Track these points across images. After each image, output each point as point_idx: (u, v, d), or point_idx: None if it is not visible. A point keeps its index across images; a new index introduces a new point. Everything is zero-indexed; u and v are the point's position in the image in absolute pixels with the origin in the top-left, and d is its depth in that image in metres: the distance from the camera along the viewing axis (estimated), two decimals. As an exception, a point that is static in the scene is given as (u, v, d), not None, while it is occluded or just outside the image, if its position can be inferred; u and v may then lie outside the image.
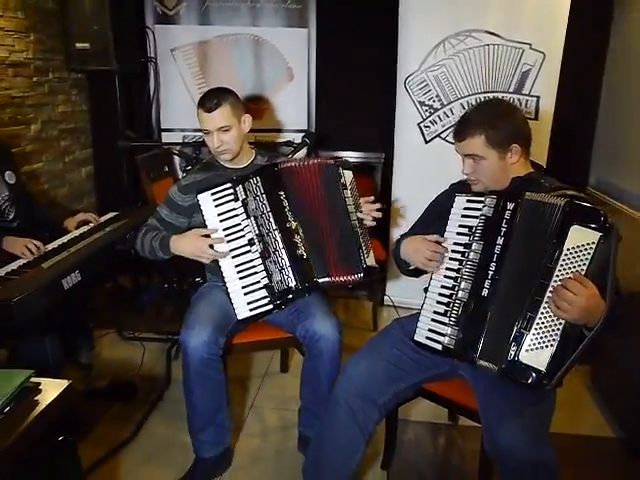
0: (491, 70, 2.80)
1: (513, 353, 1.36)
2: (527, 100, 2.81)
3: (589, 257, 1.29)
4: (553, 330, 1.32)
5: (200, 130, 1.90)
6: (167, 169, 3.15)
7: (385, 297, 3.28)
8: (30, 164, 2.95)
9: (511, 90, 2.81)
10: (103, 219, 2.44)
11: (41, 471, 1.32)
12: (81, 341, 2.28)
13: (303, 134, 2.61)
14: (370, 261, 1.82)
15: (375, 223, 1.85)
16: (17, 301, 1.51)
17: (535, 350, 1.33)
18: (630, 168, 2.76)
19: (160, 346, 2.79)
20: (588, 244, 1.29)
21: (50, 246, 2.04)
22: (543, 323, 1.34)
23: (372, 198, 1.86)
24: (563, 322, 1.31)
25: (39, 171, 3.04)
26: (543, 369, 1.32)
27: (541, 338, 1.33)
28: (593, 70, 3.06)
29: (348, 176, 1.85)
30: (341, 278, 1.80)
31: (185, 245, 1.82)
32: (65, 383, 1.11)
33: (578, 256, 1.30)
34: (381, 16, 3.08)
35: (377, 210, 1.84)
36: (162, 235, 1.87)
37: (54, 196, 3.18)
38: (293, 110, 3.32)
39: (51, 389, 1.08)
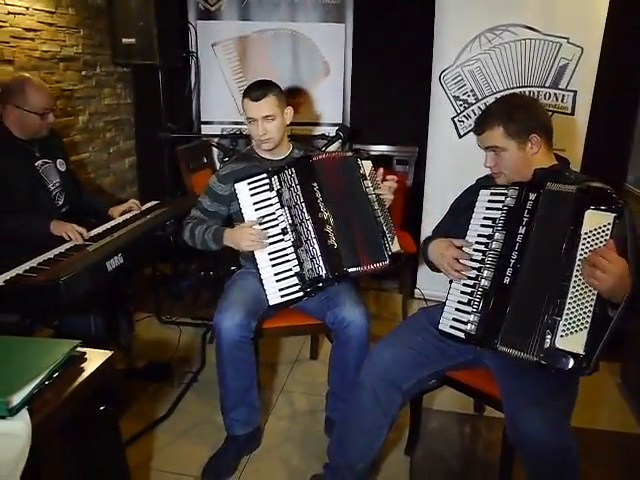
0: (527, 65, 2.78)
1: (549, 341, 1.37)
2: (564, 95, 2.79)
3: (607, 237, 1.32)
4: (585, 312, 1.35)
5: (237, 123, 2.00)
6: (205, 160, 3.27)
7: (415, 290, 3.31)
8: (78, 154, 3.10)
9: (547, 85, 2.79)
10: (145, 207, 2.56)
11: (84, 437, 1.44)
12: (122, 323, 2.40)
13: (337, 127, 2.67)
14: (395, 247, 1.87)
15: (392, 196, 1.90)
16: (65, 280, 1.62)
17: (570, 335, 1.35)
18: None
19: (196, 330, 2.90)
20: (605, 225, 1.34)
21: (94, 231, 2.16)
22: (573, 307, 1.36)
23: (381, 170, 1.92)
24: (592, 305, 1.34)
25: (86, 160, 3.19)
26: (581, 352, 1.34)
27: (574, 322, 1.35)
28: (632, 65, 3.00)
29: (367, 166, 1.91)
30: (369, 266, 1.85)
31: (235, 238, 1.89)
32: (108, 353, 1.20)
33: (597, 238, 1.34)
34: (417, 11, 3.09)
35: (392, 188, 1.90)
36: (214, 228, 1.95)
37: (100, 185, 3.33)
38: (329, 104, 3.38)
39: (95, 358, 1.18)
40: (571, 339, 1.36)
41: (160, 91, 3.12)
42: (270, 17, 3.29)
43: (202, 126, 3.45)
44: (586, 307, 1.35)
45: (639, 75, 3.02)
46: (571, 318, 1.36)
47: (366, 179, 1.89)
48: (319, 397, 2.30)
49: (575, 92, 2.78)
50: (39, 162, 2.26)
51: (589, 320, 1.34)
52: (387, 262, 1.84)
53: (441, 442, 2.16)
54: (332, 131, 2.95)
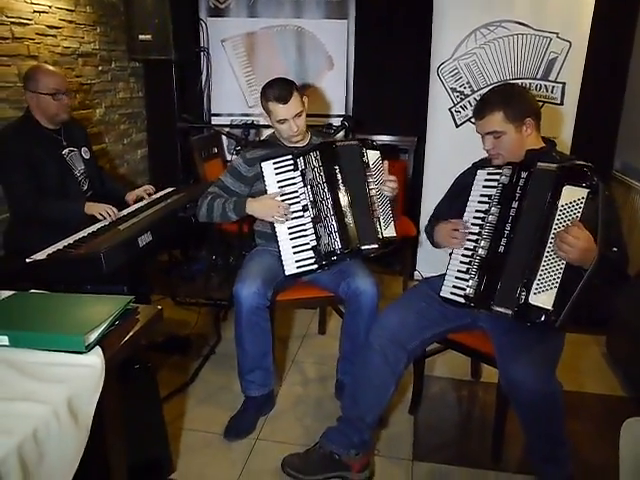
0: (519, 58, 2.97)
1: (523, 297, 1.59)
2: (553, 86, 2.98)
3: (580, 210, 1.53)
4: (555, 275, 1.55)
5: (245, 115, 2.13)
6: (216, 150, 3.45)
7: (415, 272, 3.50)
8: (95, 144, 3.27)
9: (538, 77, 2.99)
10: (161, 194, 2.73)
11: (130, 384, 1.63)
12: (142, 298, 2.58)
13: (342, 118, 2.86)
14: (389, 233, 2.03)
15: (391, 194, 2.06)
16: (105, 252, 1.81)
17: (541, 292, 1.56)
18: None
19: (209, 310, 3.08)
20: (579, 199, 1.54)
21: (121, 213, 2.34)
22: (545, 269, 1.57)
23: (386, 163, 2.08)
24: (563, 267, 1.54)
25: (104, 151, 3.36)
26: (550, 308, 1.54)
27: (545, 282, 1.56)
28: (620, 57, 3.20)
29: (373, 156, 2.06)
30: (366, 247, 1.99)
31: (262, 207, 2.06)
32: (157, 308, 1.39)
33: (571, 210, 1.54)
34: (416, 8, 3.27)
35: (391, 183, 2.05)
36: (234, 200, 2.10)
37: (115, 174, 3.50)
38: (333, 96, 3.58)
39: (146, 311, 1.37)
40: (542, 296, 1.57)
41: (173, 85, 3.30)
42: (276, 14, 3.47)
43: (212, 118, 3.64)
44: (557, 270, 1.55)
45: (625, 67, 3.22)
46: (543, 279, 1.57)
47: (368, 167, 2.04)
48: (328, 367, 2.50)
49: (564, 84, 2.98)
50: (66, 150, 2.43)
51: (558, 281, 1.54)
52: (376, 246, 1.99)
53: (442, 404, 2.36)
54: (337, 122, 3.14)
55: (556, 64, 2.95)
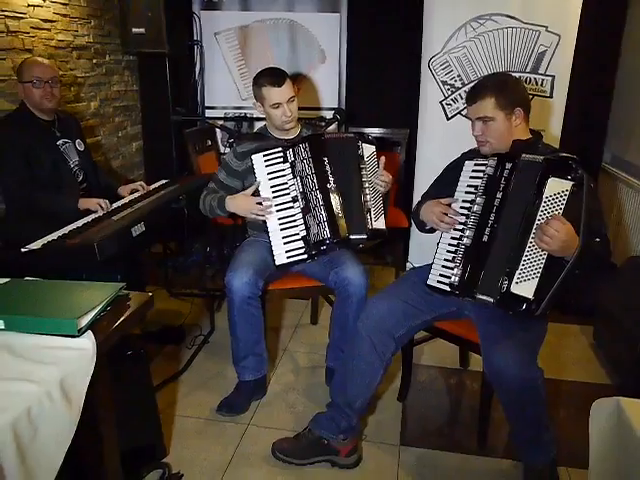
0: (509, 51, 3.00)
1: (505, 286, 1.63)
2: (543, 79, 3.01)
3: (564, 202, 1.56)
4: (537, 264, 1.59)
5: (238, 108, 2.15)
6: (210, 143, 3.48)
7: (407, 264, 3.54)
8: (90, 137, 3.30)
9: (528, 70, 3.02)
10: (155, 185, 2.76)
11: (123, 371, 1.67)
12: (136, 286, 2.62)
13: (334, 111, 2.89)
14: (378, 224, 2.06)
15: (383, 189, 2.10)
16: (98, 243, 1.84)
17: (523, 282, 1.60)
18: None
19: (203, 301, 3.12)
20: (563, 192, 1.56)
21: (115, 204, 2.38)
22: (528, 259, 1.61)
23: (383, 159, 2.12)
24: (545, 258, 1.58)
25: (98, 144, 3.39)
26: (531, 297, 1.59)
27: (527, 272, 1.60)
28: (609, 50, 3.23)
29: (368, 150, 2.11)
30: (355, 237, 2.04)
31: (237, 204, 2.12)
32: (147, 295, 1.43)
33: (555, 202, 1.57)
34: (407, 2, 3.30)
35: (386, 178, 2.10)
36: (219, 196, 2.17)
37: (110, 167, 3.53)
38: (325, 89, 3.60)
39: (137, 298, 1.41)
40: (523, 286, 1.61)
41: (167, 78, 3.31)
42: (269, 7, 3.49)
43: (206, 111, 3.66)
44: (539, 260, 1.59)
45: (614, 59, 3.26)
46: (525, 268, 1.61)
47: (363, 160, 2.08)
48: (319, 355, 2.55)
49: (553, 76, 3.01)
50: (60, 141, 2.46)
51: (540, 271, 1.59)
52: (364, 237, 2.03)
53: (429, 391, 2.42)
54: (329, 114, 3.17)
55: (545, 57, 2.98)
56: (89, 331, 1.20)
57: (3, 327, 1.19)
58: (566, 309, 2.91)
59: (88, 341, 1.17)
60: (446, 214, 1.84)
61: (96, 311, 1.24)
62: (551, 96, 3.04)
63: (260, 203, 2.08)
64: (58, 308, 1.26)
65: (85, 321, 1.20)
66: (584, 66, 3.08)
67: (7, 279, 1.44)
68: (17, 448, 0.96)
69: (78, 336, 1.18)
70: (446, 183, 1.99)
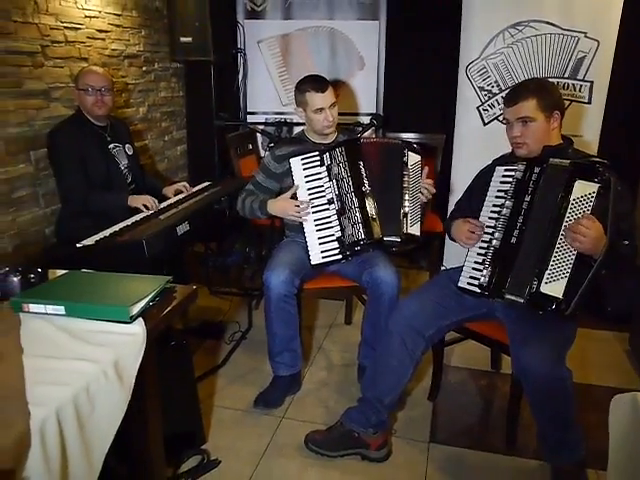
0: (547, 57, 3.01)
1: (535, 286, 1.68)
2: (581, 85, 3.01)
3: (591, 204, 1.61)
4: (566, 264, 1.63)
5: (279, 113, 2.26)
6: (251, 147, 3.61)
7: (442, 267, 3.57)
8: (138, 141, 3.47)
9: (566, 76, 3.02)
10: (197, 188, 2.90)
11: (167, 360, 1.78)
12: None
13: (371, 116, 2.96)
14: (414, 230, 2.10)
15: (424, 198, 2.16)
16: (147, 239, 1.98)
17: (552, 282, 1.65)
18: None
19: (241, 299, 3.24)
20: (590, 194, 1.61)
21: (162, 204, 2.52)
22: (557, 259, 1.65)
23: (426, 168, 2.19)
24: (574, 258, 1.62)
25: (145, 147, 3.56)
26: (560, 296, 1.63)
27: (556, 272, 1.65)
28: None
29: (412, 158, 2.16)
30: (389, 238, 2.10)
31: (277, 207, 2.23)
32: (192, 287, 1.54)
33: (582, 204, 1.62)
34: (445, 9, 3.33)
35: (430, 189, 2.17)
36: (260, 199, 2.27)
37: (156, 169, 3.70)
38: (363, 95, 3.69)
39: (182, 290, 1.52)
40: (553, 286, 1.65)
41: (212, 84, 3.46)
42: (310, 16, 3.61)
43: (248, 116, 3.80)
44: (568, 261, 1.63)
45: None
46: (554, 269, 1.66)
47: (406, 167, 2.13)
48: (352, 354, 2.61)
49: (592, 82, 3.00)
50: (112, 145, 2.63)
51: (569, 272, 1.63)
52: (398, 240, 2.08)
53: (460, 391, 2.46)
54: (366, 120, 3.25)
55: (584, 63, 2.98)
56: (140, 318, 1.31)
57: (64, 312, 1.32)
58: (601, 316, 2.90)
59: (139, 327, 1.29)
60: (473, 232, 1.90)
61: (146, 300, 1.36)
62: (589, 102, 3.03)
63: (298, 205, 2.17)
64: (112, 297, 1.38)
65: (136, 309, 1.32)
66: (623, 72, 3.06)
67: (65, 271, 1.58)
68: (77, 420, 1.07)
69: (130, 322, 1.29)
70: (477, 190, 2.05)
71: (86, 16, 2.88)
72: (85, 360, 1.16)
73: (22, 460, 0.92)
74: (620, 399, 1.19)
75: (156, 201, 2.46)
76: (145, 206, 2.43)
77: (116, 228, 2.19)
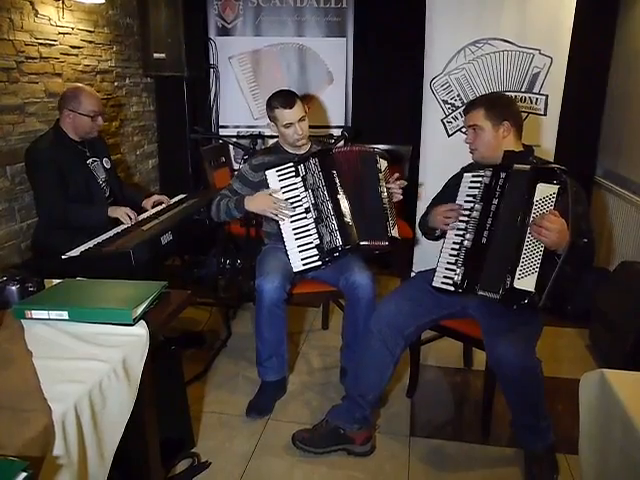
0: (505, 72, 3.21)
1: (509, 282, 1.81)
2: (537, 98, 3.22)
3: (553, 203, 1.77)
4: (535, 260, 1.78)
5: (251, 127, 2.32)
6: (224, 159, 3.68)
7: (412, 273, 3.71)
8: (112, 155, 3.48)
9: (523, 89, 3.22)
10: (175, 200, 2.95)
11: (158, 367, 1.83)
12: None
13: (342, 129, 3.09)
14: (395, 233, 2.25)
15: (402, 197, 2.30)
16: (134, 249, 2.03)
17: (524, 277, 1.79)
18: (634, 161, 3.17)
19: (217, 310, 3.28)
20: (551, 195, 1.78)
21: (141, 216, 2.57)
22: (526, 256, 1.80)
23: (397, 175, 2.32)
24: (541, 254, 1.76)
25: (118, 161, 3.58)
26: (532, 290, 1.77)
27: (527, 268, 1.79)
28: (599, 70, 3.47)
29: (383, 164, 2.30)
30: (374, 243, 2.23)
31: (256, 202, 2.28)
32: (187, 292, 1.61)
33: (545, 204, 1.78)
34: (410, 27, 3.52)
35: (402, 187, 2.31)
36: (236, 198, 2.34)
37: (129, 183, 3.72)
38: (333, 108, 3.83)
39: (178, 295, 1.59)
40: (525, 281, 1.79)
41: (185, 99, 3.53)
42: (280, 33, 3.74)
43: (220, 129, 3.87)
44: (536, 256, 1.78)
45: (603, 79, 3.48)
46: (525, 265, 1.80)
47: (381, 173, 2.26)
48: (332, 357, 2.71)
49: (547, 96, 3.21)
50: (90, 160, 2.66)
51: (538, 266, 1.77)
52: (386, 243, 2.21)
53: (436, 388, 2.58)
54: (337, 132, 3.38)
55: (539, 78, 3.19)
56: (142, 320, 1.38)
57: (67, 317, 1.37)
58: (564, 315, 3.09)
59: (142, 329, 1.35)
60: (450, 211, 2.04)
61: (146, 303, 1.42)
62: (545, 114, 3.24)
63: (275, 203, 2.25)
64: (113, 301, 1.44)
65: (139, 311, 1.38)
66: (575, 86, 3.29)
67: (61, 280, 1.62)
68: (91, 413, 1.13)
69: (133, 324, 1.35)
70: (448, 196, 2.18)
71: (60, 32, 2.91)
72: (95, 360, 1.22)
73: (48, 450, 0.98)
74: (588, 376, 1.32)
75: (134, 213, 2.49)
76: (127, 215, 2.46)
77: (99, 239, 2.23)
